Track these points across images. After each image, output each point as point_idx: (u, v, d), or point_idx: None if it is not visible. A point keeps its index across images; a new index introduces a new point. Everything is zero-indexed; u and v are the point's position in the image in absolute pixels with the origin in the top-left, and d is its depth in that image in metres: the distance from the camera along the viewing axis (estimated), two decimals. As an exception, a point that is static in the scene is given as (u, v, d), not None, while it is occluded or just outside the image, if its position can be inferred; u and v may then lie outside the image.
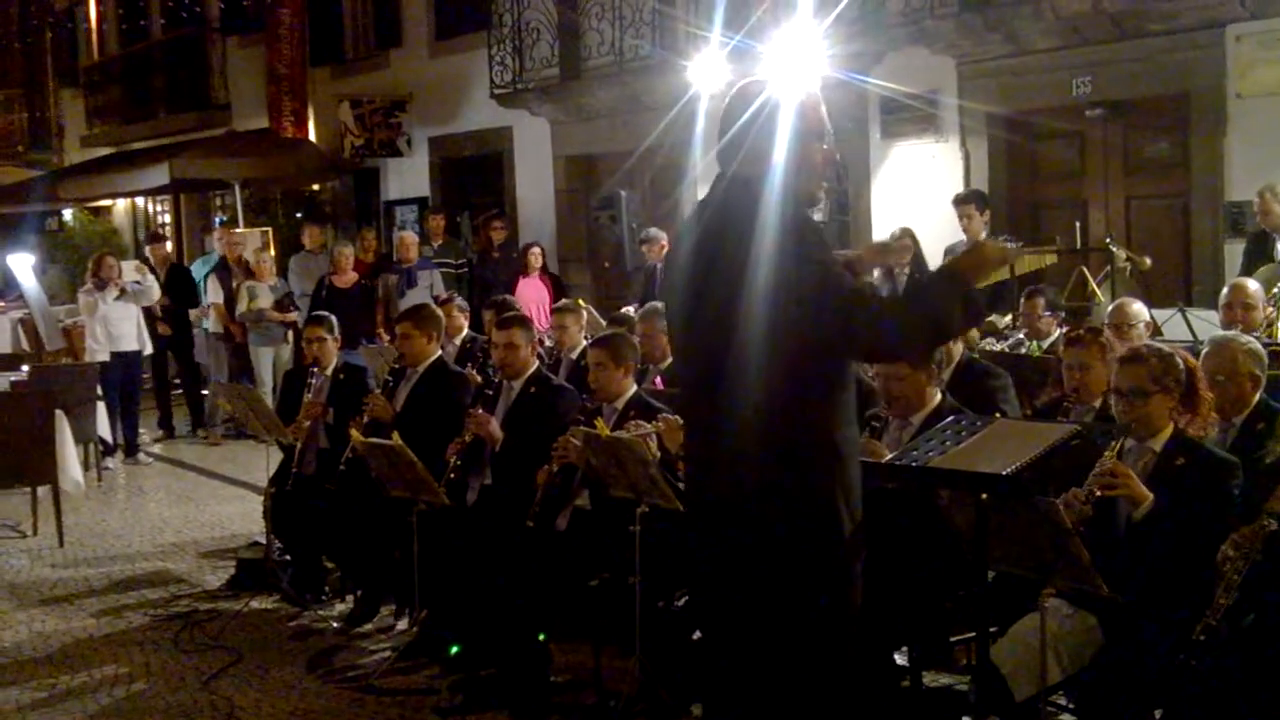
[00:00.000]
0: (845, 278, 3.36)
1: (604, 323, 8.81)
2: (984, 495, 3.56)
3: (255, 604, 6.97)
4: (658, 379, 6.92)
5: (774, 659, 3.38)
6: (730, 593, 3.43)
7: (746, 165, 3.44)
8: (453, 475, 6.13)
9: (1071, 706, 4.52)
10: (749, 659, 3.43)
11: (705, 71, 11.46)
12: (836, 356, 3.37)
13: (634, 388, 5.93)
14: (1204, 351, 4.88)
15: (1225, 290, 6.79)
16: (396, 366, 7.07)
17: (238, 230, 14.90)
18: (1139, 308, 6.60)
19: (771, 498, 3.31)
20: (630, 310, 9.13)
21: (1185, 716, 3.92)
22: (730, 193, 3.46)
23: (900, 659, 4.83)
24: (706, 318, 3.42)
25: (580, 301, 8.82)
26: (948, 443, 3.69)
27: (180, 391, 13.81)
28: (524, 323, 6.60)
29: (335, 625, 6.67)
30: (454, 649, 5.69)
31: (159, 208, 23.24)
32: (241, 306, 12.65)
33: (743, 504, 3.35)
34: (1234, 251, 9.07)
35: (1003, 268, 3.41)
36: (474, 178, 16.44)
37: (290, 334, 12.75)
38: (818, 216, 3.56)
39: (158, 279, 12.42)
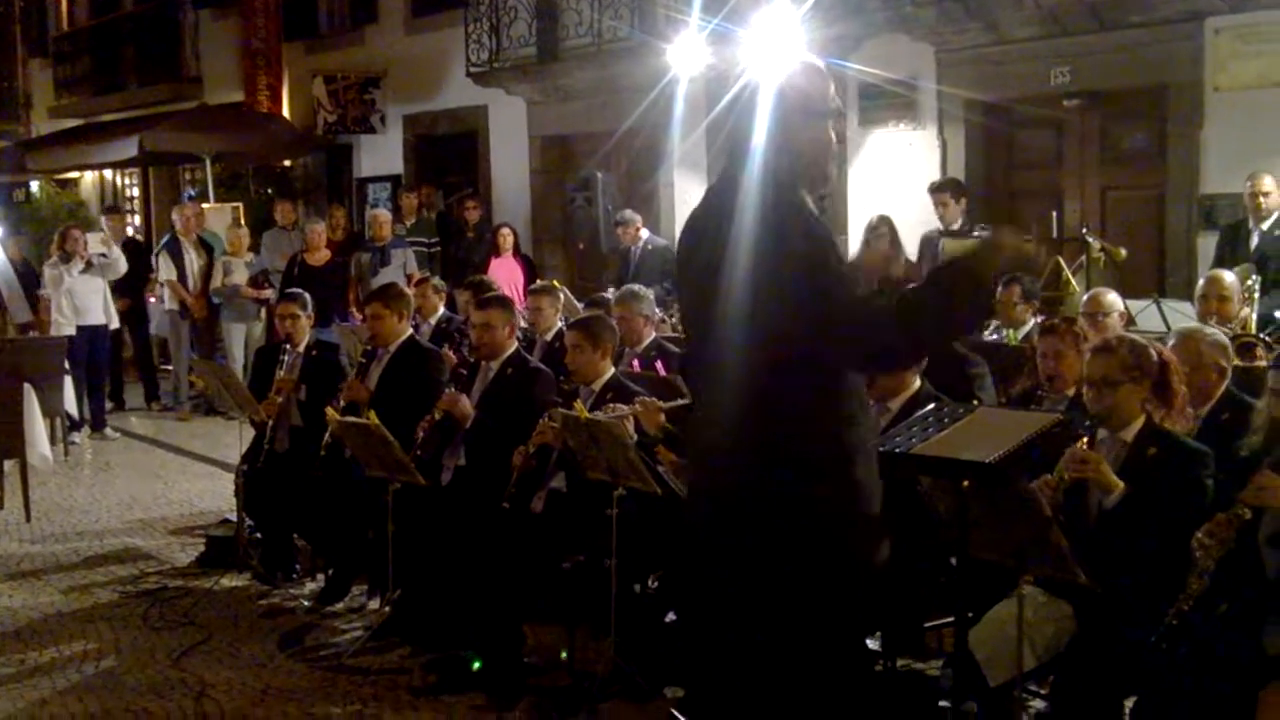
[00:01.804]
0: (834, 274, 3.15)
1: (579, 305, 8.78)
2: (965, 482, 3.57)
3: (225, 582, 6.92)
4: (635, 361, 6.91)
5: (785, 660, 3.26)
6: (731, 589, 3.30)
7: (732, 152, 3.36)
8: (419, 453, 6.09)
9: (1045, 693, 4.55)
10: (750, 658, 3.30)
11: (684, 54, 11.44)
12: (824, 358, 3.18)
13: (612, 370, 5.93)
14: (1169, 343, 4.91)
15: (1201, 282, 6.85)
16: (369, 347, 7.02)
17: (204, 205, 14.76)
18: (1113, 298, 6.63)
19: (763, 497, 3.18)
20: (609, 292, 9.11)
21: (1158, 703, 3.94)
22: (717, 183, 3.39)
23: (872, 644, 4.84)
24: (699, 310, 3.35)
25: (555, 284, 8.78)
26: (930, 429, 3.69)
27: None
28: (503, 303, 6.58)
29: (306, 604, 6.63)
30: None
31: (127, 181, 23.01)
32: (216, 282, 12.56)
33: (736, 502, 3.24)
34: (1207, 244, 9.12)
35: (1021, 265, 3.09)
36: (448, 156, 16.35)
37: (263, 311, 12.67)
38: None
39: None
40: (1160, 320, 7.14)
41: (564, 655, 5.52)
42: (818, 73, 3.36)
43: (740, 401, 3.22)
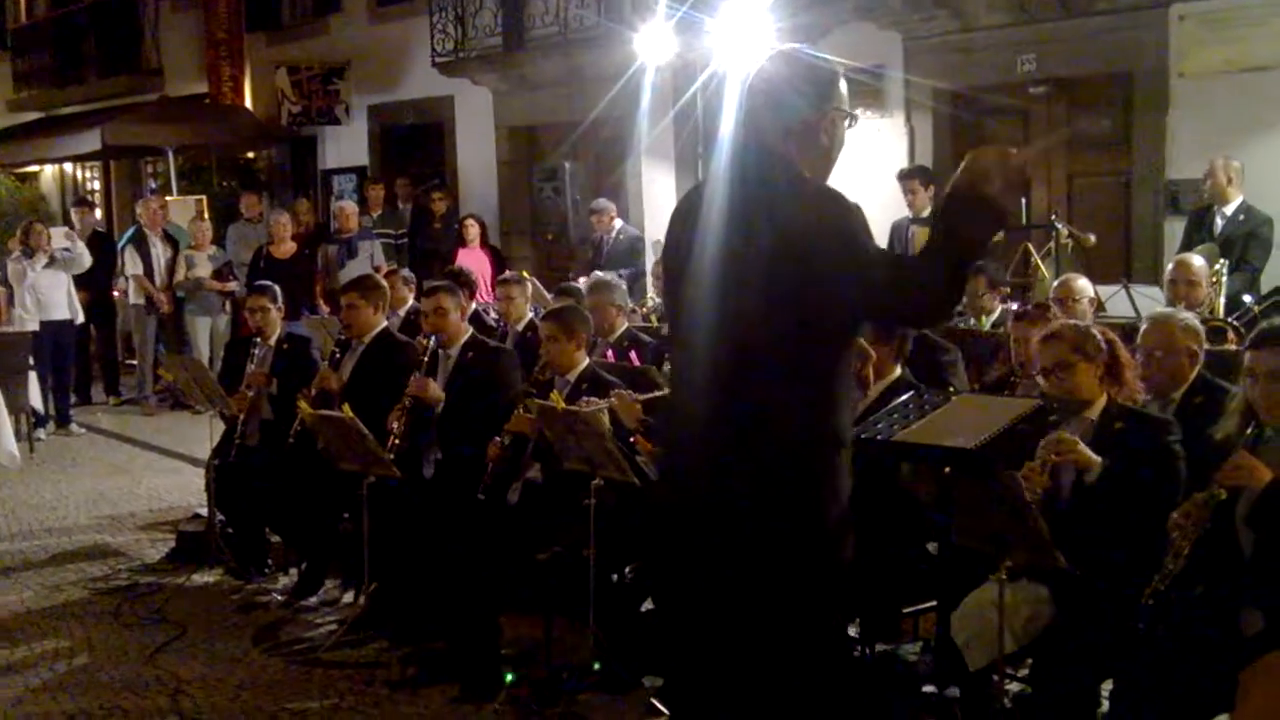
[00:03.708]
0: (871, 240, 3.16)
1: (549, 295, 8.76)
2: (946, 469, 3.58)
3: (197, 577, 6.88)
4: (608, 351, 6.90)
5: (764, 650, 3.24)
6: (717, 579, 3.26)
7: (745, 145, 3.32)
8: (397, 442, 6.08)
9: (1023, 676, 4.58)
10: (736, 649, 3.28)
11: (651, 43, 11.39)
12: (858, 333, 3.19)
13: (586, 360, 5.92)
14: (1142, 328, 4.95)
15: (1170, 266, 6.89)
16: (342, 338, 6.99)
17: (168, 198, 14.63)
18: (1084, 283, 6.67)
19: (768, 487, 3.15)
20: (581, 281, 9.09)
21: (1136, 685, 3.97)
22: (740, 161, 3.32)
23: (850, 630, 4.85)
24: (707, 297, 3.24)
25: (525, 274, 8.76)
26: (911, 417, 3.71)
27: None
28: (450, 289, 6.59)
29: (279, 598, 6.59)
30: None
31: (89, 174, 22.77)
32: (179, 275, 12.45)
33: (738, 492, 3.18)
34: (1174, 229, 9.19)
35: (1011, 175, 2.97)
36: (414, 147, 16.27)
37: (228, 304, 12.57)
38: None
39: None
40: (1129, 305, 7.19)
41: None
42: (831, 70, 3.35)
43: (757, 394, 3.15)
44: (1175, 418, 4.68)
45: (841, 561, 3.26)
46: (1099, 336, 4.50)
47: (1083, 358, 4.42)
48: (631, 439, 5.23)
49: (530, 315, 7.84)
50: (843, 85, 3.32)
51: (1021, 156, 3.06)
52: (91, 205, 14.57)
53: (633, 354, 6.77)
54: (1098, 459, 4.22)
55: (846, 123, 3.32)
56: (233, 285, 12.43)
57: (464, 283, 8.05)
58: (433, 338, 6.41)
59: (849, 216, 3.13)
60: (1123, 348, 4.57)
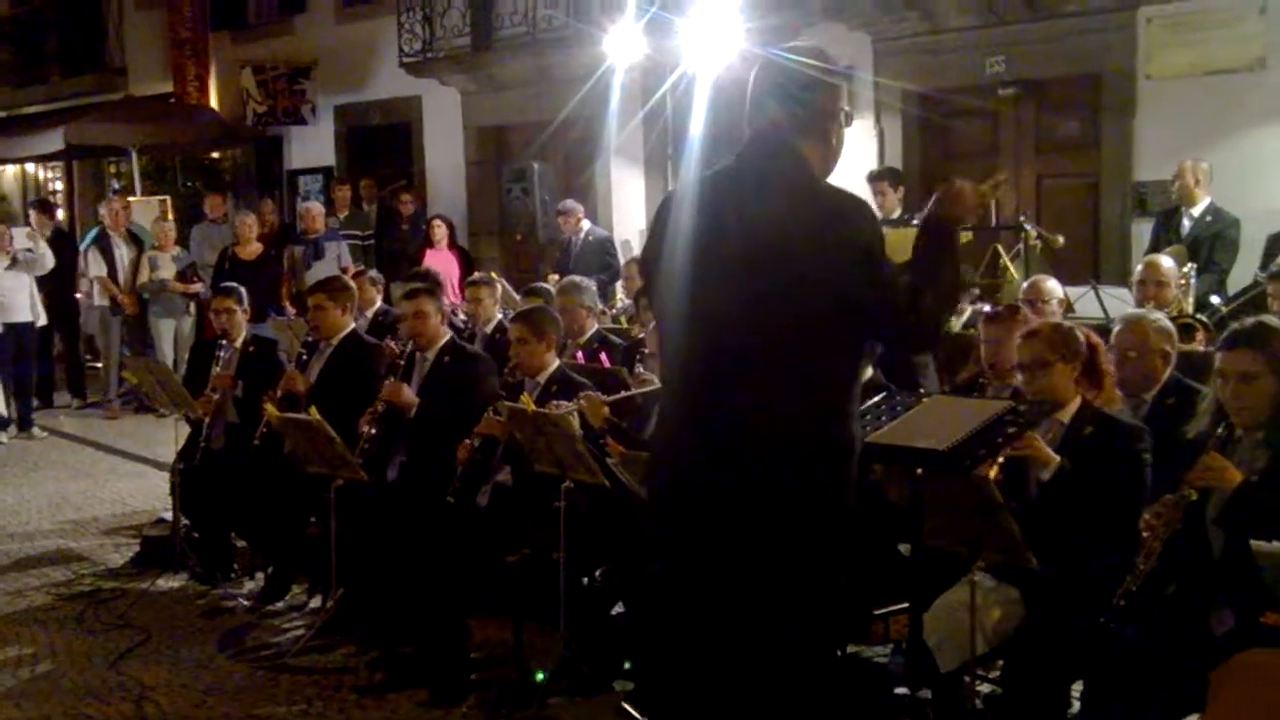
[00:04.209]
0: (889, 262, 3.16)
1: (518, 297, 8.72)
2: (919, 470, 3.57)
3: (162, 582, 6.80)
4: (578, 353, 6.87)
5: (759, 656, 3.20)
6: (715, 583, 3.20)
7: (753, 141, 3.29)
8: (366, 446, 6.02)
9: (994, 677, 4.57)
10: (730, 655, 3.23)
11: (621, 44, 11.36)
12: (869, 344, 3.22)
13: (556, 362, 5.89)
14: (1116, 328, 4.97)
15: (1139, 267, 6.91)
16: (309, 340, 6.93)
17: (131, 199, 14.49)
18: (1053, 284, 6.68)
19: (779, 492, 3.10)
20: (551, 280, 9.06)
21: (1106, 685, 3.97)
22: (742, 161, 3.29)
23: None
24: (718, 300, 3.17)
25: (494, 275, 8.72)
26: (883, 418, 3.68)
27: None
28: (431, 292, 6.53)
29: (245, 603, 6.53)
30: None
31: (51, 174, 22.55)
32: (143, 277, 12.32)
33: (748, 497, 3.12)
34: (1141, 230, 9.24)
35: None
36: (381, 148, 16.17)
37: (192, 306, 12.45)
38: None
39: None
40: (1098, 306, 7.21)
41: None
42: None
43: (777, 399, 3.11)
44: (1148, 418, 4.70)
45: (841, 573, 3.26)
46: (1081, 339, 4.49)
47: (1060, 359, 4.43)
48: (602, 440, 5.20)
49: (499, 317, 7.80)
50: (847, 86, 3.35)
51: (987, 189, 3.32)
52: (52, 210, 14.37)
53: (603, 355, 6.75)
54: (1055, 457, 4.23)
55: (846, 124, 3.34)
56: (197, 287, 12.31)
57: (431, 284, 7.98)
58: (410, 343, 6.34)
59: (871, 229, 3.15)
60: (1104, 353, 4.57)
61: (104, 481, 9.64)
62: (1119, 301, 7.04)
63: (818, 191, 3.18)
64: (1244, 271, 8.08)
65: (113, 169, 20.35)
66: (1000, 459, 4.14)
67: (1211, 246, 8.08)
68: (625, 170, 12.91)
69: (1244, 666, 3.56)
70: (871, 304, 3.09)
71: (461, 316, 8.48)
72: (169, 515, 7.27)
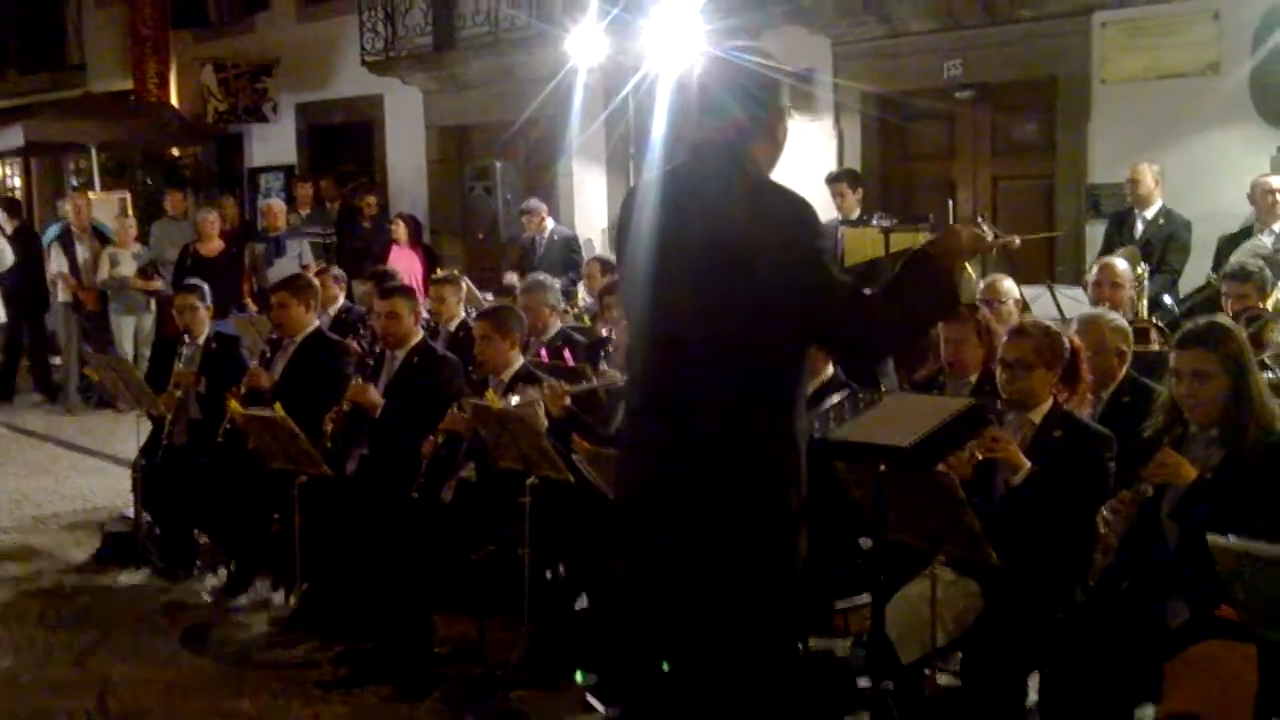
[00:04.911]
0: (835, 269, 3.23)
1: (480, 295, 8.74)
2: (882, 467, 3.63)
3: (124, 578, 6.79)
4: (542, 350, 6.90)
5: (717, 648, 3.25)
6: (677, 578, 3.24)
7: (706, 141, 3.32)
8: (329, 444, 6.04)
9: (954, 669, 4.64)
10: (691, 648, 3.29)
11: (583, 44, 11.41)
12: (811, 346, 3.27)
13: (520, 360, 5.92)
14: (1073, 328, 5.05)
15: (1095, 269, 7.01)
16: (273, 337, 6.93)
17: (90, 195, 14.38)
18: (1009, 284, 6.75)
19: (730, 487, 3.16)
20: (514, 279, 9.08)
21: (1064, 677, 4.04)
22: (697, 159, 3.32)
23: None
24: (674, 295, 3.22)
25: (457, 273, 8.73)
26: (845, 415, 3.75)
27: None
28: (406, 292, 6.55)
29: (208, 599, 6.51)
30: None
31: (8, 171, 22.32)
32: (103, 274, 12.24)
33: (701, 486, 3.18)
34: (1095, 232, 9.37)
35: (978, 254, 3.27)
36: (343, 146, 16.14)
37: (153, 303, 12.39)
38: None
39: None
40: (1053, 306, 7.32)
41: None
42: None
43: (727, 385, 3.17)
44: (1104, 415, 4.79)
45: (795, 563, 3.28)
46: (1066, 345, 4.54)
47: (1044, 365, 4.47)
48: (570, 436, 5.23)
49: (463, 315, 7.82)
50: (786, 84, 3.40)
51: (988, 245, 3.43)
52: (18, 208, 14.26)
53: (566, 353, 6.78)
54: (1026, 462, 4.28)
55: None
56: (157, 283, 12.25)
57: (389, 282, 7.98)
58: (358, 341, 6.36)
59: (813, 229, 3.17)
60: (1085, 363, 4.62)
61: (65, 478, 9.56)
62: (1073, 301, 7.15)
63: (765, 191, 3.21)
64: (1196, 272, 8.23)
65: (72, 165, 20.17)
66: (979, 457, 4.22)
67: (1164, 248, 8.21)
68: (587, 170, 12.95)
69: (1199, 658, 3.64)
70: (810, 304, 3.13)
71: (425, 314, 8.48)
72: (131, 511, 7.25)
